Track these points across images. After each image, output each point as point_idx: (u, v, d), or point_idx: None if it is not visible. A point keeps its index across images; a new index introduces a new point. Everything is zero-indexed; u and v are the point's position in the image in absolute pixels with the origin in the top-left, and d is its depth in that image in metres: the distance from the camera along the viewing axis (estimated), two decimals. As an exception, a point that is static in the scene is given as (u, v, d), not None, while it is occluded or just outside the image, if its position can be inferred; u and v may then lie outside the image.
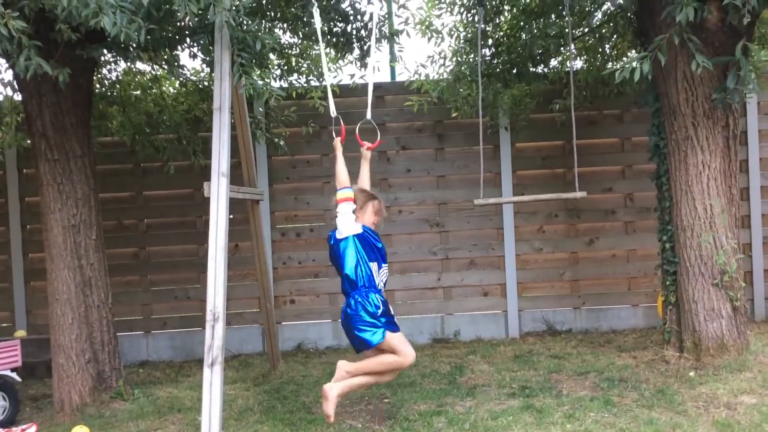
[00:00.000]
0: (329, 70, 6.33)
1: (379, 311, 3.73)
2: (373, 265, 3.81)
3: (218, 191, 3.96)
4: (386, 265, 3.93)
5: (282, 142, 6.01)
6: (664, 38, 4.43)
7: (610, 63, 6.23)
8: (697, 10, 4.17)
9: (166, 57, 5.27)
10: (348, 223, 3.81)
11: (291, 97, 6.20)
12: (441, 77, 6.14)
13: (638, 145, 6.30)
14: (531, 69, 6.02)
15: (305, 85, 6.26)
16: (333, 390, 3.68)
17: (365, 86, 6.29)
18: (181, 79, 6.01)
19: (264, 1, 5.40)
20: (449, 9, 6.01)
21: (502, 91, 6.03)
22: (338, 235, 3.84)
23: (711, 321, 4.80)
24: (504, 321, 6.42)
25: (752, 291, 6.32)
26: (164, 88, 6.27)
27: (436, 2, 6.09)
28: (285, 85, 6.19)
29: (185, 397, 4.92)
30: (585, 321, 6.43)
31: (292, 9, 5.48)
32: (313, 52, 6.29)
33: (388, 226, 6.43)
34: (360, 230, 3.82)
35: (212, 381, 3.65)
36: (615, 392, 4.41)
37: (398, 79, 6.82)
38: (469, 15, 5.96)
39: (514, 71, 5.94)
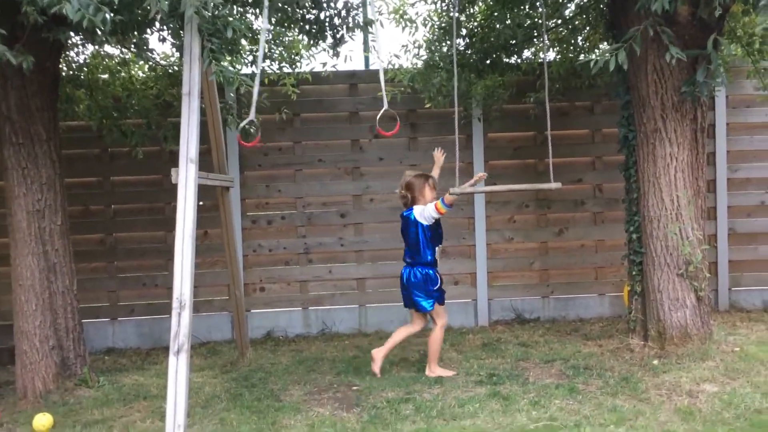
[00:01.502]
0: (301, 57, 6.28)
1: (435, 287, 4.77)
2: (437, 249, 4.81)
3: (186, 178, 3.90)
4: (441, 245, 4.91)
5: (253, 129, 5.93)
6: (638, 29, 4.46)
7: (583, 55, 6.28)
8: (670, 1, 4.20)
9: (135, 41, 5.18)
10: (429, 216, 4.70)
11: (263, 84, 6.12)
12: (415, 66, 6.13)
13: (608, 136, 6.35)
14: (504, 59, 6.04)
15: (278, 71, 6.20)
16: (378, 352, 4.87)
17: (338, 74, 6.31)
18: (150, 63, 5.93)
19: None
20: (423, -1, 6.00)
21: (475, 81, 6.03)
22: (422, 221, 4.73)
23: (675, 310, 4.89)
24: (473, 309, 6.46)
25: (717, 281, 6.43)
26: (133, 72, 6.17)
27: (409, -9, 6.08)
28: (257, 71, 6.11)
29: (151, 384, 4.87)
30: (553, 310, 6.50)
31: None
32: (286, 38, 6.24)
33: (360, 214, 6.43)
34: (432, 222, 4.74)
35: (178, 369, 3.61)
36: (580, 380, 4.47)
37: (372, 67, 6.78)
38: (443, 4, 5.95)
39: (488, 61, 5.96)
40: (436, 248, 4.81)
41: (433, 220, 4.74)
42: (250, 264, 6.37)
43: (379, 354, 4.85)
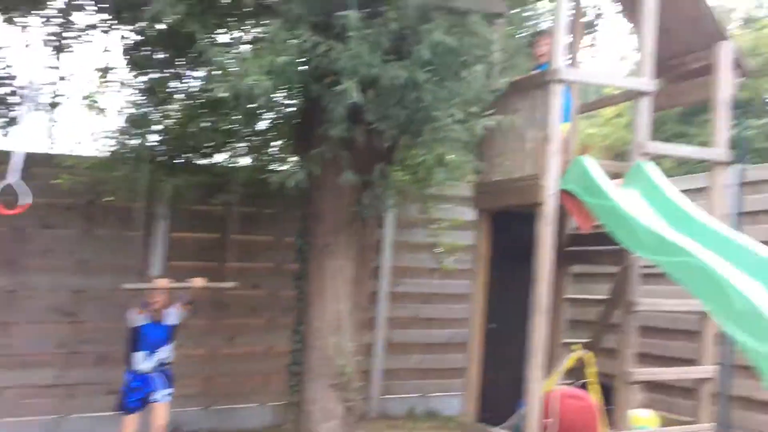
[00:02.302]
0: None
1: (125, 389, 4.84)
2: (138, 354, 4.83)
3: None
4: (162, 349, 4.89)
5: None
6: (319, 151, 4.86)
7: (275, 164, 6.56)
8: (348, 129, 4.67)
9: None
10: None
11: None
12: (100, 156, 5.81)
13: (290, 245, 6.60)
14: (197, 160, 6.05)
15: None
16: None
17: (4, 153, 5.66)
18: None
19: None
20: (119, 89, 5.81)
21: (164, 179, 5.90)
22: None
23: (326, 421, 5.06)
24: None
25: (370, 389, 6.87)
26: None
27: (104, 80, 5.84)
28: None
29: None
30: (216, 420, 6.28)
31: None
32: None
33: (12, 313, 5.67)
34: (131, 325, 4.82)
35: None
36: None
37: (52, 152, 6.23)
38: (137, 98, 5.81)
39: (180, 160, 5.92)
40: (140, 354, 4.82)
41: (132, 324, 4.84)
42: None
43: None
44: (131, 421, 4.78)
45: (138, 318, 4.82)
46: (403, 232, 7.32)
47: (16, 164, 4.19)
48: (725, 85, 5.44)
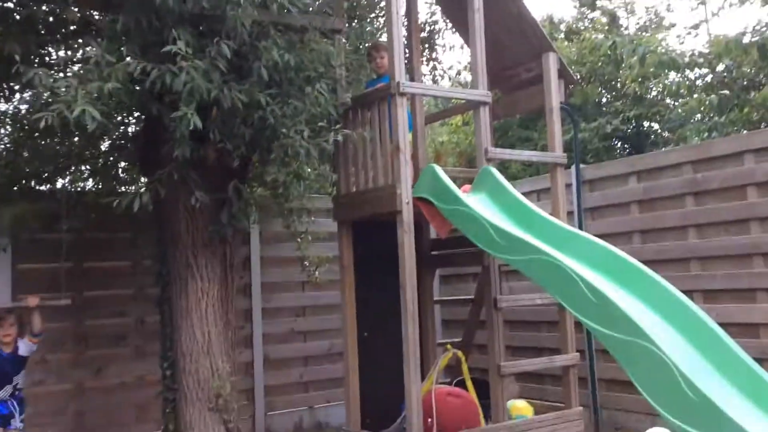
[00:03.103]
0: None
1: None
2: None
3: None
4: (16, 377, 4.92)
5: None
6: (164, 172, 4.63)
7: (124, 187, 6.23)
8: (193, 150, 4.47)
9: None
10: None
11: None
12: None
13: (151, 269, 6.31)
14: (36, 187, 5.65)
15: None
16: None
17: None
18: None
19: None
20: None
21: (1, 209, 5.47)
22: None
23: (200, 444, 4.91)
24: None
25: (254, 407, 6.73)
26: None
27: None
28: None
29: None
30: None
31: None
32: None
33: None
34: None
35: None
36: None
37: None
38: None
39: (15, 188, 5.50)
40: None
41: None
42: None
43: None
44: None
45: None
46: (270, 247, 7.18)
47: None
48: (554, 94, 5.71)
